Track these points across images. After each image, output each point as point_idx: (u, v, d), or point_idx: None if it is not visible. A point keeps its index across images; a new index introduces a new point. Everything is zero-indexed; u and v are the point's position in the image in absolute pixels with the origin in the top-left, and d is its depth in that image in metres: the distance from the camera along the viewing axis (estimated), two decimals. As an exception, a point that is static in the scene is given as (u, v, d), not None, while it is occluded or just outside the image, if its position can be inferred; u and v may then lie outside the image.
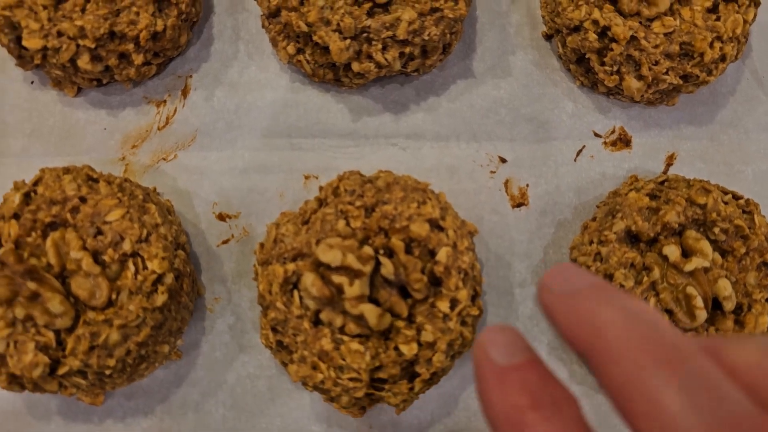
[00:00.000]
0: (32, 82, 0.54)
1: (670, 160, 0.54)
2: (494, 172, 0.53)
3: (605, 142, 0.54)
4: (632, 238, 0.49)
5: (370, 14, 0.50)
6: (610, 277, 0.47)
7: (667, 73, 0.51)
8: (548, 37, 0.56)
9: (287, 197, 0.53)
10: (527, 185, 0.53)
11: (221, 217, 0.52)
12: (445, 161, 0.53)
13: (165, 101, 0.54)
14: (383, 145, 0.54)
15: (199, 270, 0.52)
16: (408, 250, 0.47)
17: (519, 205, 0.53)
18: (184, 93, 0.54)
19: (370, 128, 0.54)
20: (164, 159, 0.53)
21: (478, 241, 0.52)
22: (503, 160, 0.54)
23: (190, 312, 0.50)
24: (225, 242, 0.52)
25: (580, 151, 0.54)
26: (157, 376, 0.50)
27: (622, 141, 0.55)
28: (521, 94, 0.54)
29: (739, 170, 0.54)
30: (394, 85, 0.54)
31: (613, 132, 0.55)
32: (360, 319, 0.46)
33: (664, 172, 0.54)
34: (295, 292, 0.46)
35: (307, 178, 0.53)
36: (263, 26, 0.53)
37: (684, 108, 0.55)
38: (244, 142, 0.53)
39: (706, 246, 0.47)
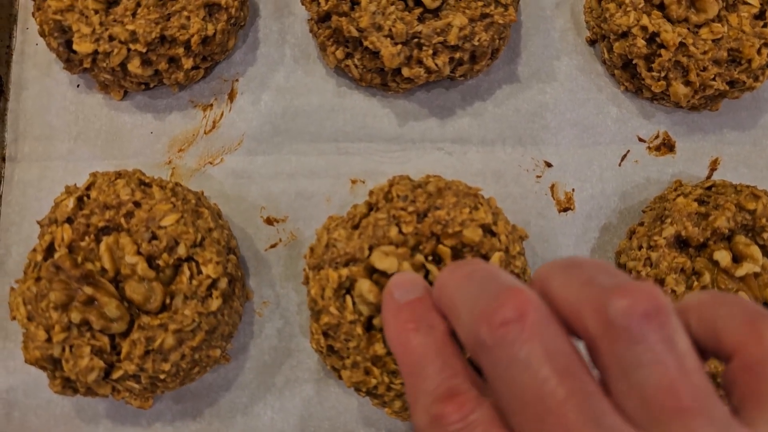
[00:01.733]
0: (78, 86, 0.54)
1: (713, 165, 0.55)
2: (540, 177, 0.54)
3: (649, 147, 0.55)
4: (681, 243, 0.49)
5: (421, 20, 0.50)
6: (661, 281, 0.47)
7: (714, 79, 0.51)
8: (592, 42, 0.56)
9: (334, 201, 0.53)
10: (573, 190, 0.53)
11: (269, 221, 0.52)
12: (491, 166, 0.54)
13: (212, 105, 0.54)
14: (429, 149, 0.54)
15: (248, 274, 0.52)
16: (459, 255, 0.47)
17: (565, 210, 0.53)
18: (231, 97, 0.54)
19: (416, 132, 0.54)
20: (211, 163, 0.53)
21: (525, 246, 0.52)
22: (549, 165, 0.54)
23: (240, 316, 0.50)
24: (273, 246, 0.52)
25: (625, 155, 0.54)
26: (205, 379, 0.50)
27: (666, 146, 0.55)
28: (566, 98, 0.55)
29: (781, 175, 0.55)
30: (439, 89, 0.55)
31: (657, 137, 0.55)
32: (412, 323, 0.46)
33: (708, 177, 0.55)
34: (348, 298, 0.46)
35: (353, 182, 0.53)
36: (311, 31, 0.53)
37: (727, 113, 0.55)
38: (291, 146, 0.53)
39: (756, 251, 0.48)
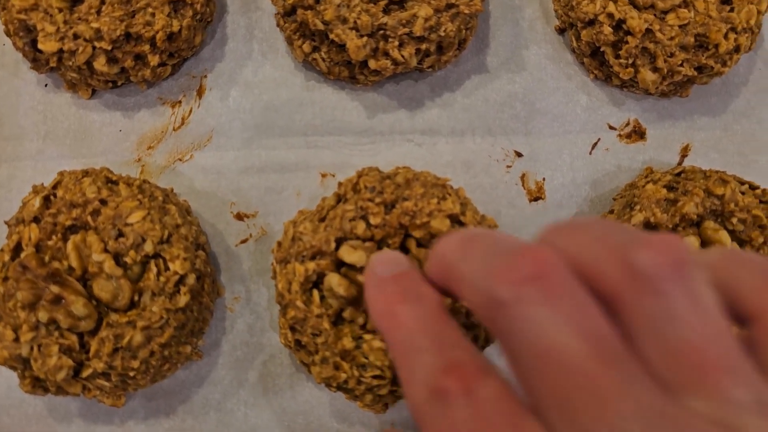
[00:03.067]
0: (46, 85, 0.54)
1: (684, 152, 0.55)
2: (510, 167, 0.53)
3: (620, 135, 0.55)
4: (650, 229, 0.49)
5: (386, 11, 0.50)
6: (630, 269, 0.47)
7: (682, 64, 0.51)
8: (561, 31, 0.56)
9: (304, 195, 0.53)
10: (543, 179, 0.53)
11: (239, 217, 0.52)
12: (460, 156, 0.54)
13: (180, 102, 0.54)
14: (399, 141, 0.54)
15: (219, 270, 0.52)
16: (428, 247, 0.47)
17: (536, 199, 0.53)
18: (199, 93, 0.54)
19: (386, 125, 0.54)
20: (180, 160, 0.53)
21: (495, 236, 0.52)
22: (519, 155, 0.54)
23: (211, 312, 0.50)
24: (243, 242, 0.52)
25: (595, 144, 0.54)
26: (178, 376, 0.50)
27: (637, 133, 0.55)
28: (535, 88, 0.54)
29: (753, 160, 0.55)
30: (408, 81, 0.54)
31: (627, 124, 0.55)
32: (382, 315, 0.46)
33: (679, 164, 0.54)
34: (315, 291, 0.46)
35: (323, 176, 0.53)
36: (278, 25, 0.53)
37: (697, 99, 0.55)
38: (260, 141, 0.53)
39: (725, 236, 0.48)
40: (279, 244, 0.49)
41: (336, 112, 0.54)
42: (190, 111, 0.54)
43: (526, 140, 0.54)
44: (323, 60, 0.52)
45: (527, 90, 0.54)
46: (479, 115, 0.54)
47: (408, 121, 0.54)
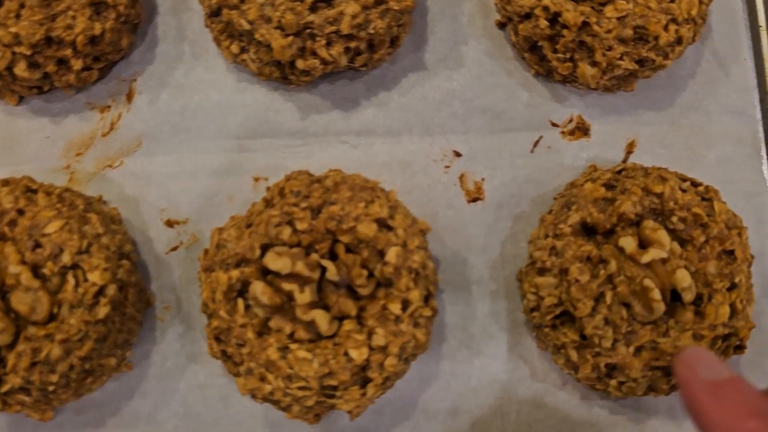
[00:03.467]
0: (-28, 92, 0.53)
1: (630, 148, 0.53)
2: (449, 167, 0.52)
3: (563, 132, 0.53)
4: (589, 230, 0.47)
5: (313, 9, 0.48)
6: (565, 271, 0.46)
7: (621, 58, 0.49)
8: (502, 26, 0.54)
9: (237, 200, 0.51)
10: (483, 179, 0.52)
11: (169, 224, 0.51)
12: (397, 157, 0.52)
13: (109, 106, 0.52)
14: (333, 142, 0.52)
15: (149, 279, 0.51)
16: (356, 252, 0.46)
17: (475, 200, 0.51)
18: (129, 97, 0.52)
19: (320, 126, 0.52)
20: (110, 166, 0.52)
21: (433, 238, 0.51)
22: (458, 154, 0.52)
23: (138, 323, 0.49)
24: (174, 249, 0.51)
25: (537, 141, 0.52)
26: (107, 388, 0.49)
27: (580, 129, 0.53)
28: (474, 85, 0.53)
29: (701, 154, 0.53)
30: (343, 80, 0.53)
31: (570, 121, 0.53)
32: (310, 325, 0.45)
33: (624, 160, 0.53)
34: (240, 300, 0.45)
35: (256, 179, 0.52)
36: (206, 26, 0.52)
37: (643, 93, 0.53)
38: (191, 145, 0.52)
39: (663, 236, 0.46)
40: (205, 251, 0.47)
41: (268, 114, 0.52)
42: (119, 116, 0.52)
43: (465, 139, 0.52)
44: (252, 61, 0.50)
45: (466, 87, 0.53)
46: (416, 114, 0.52)
47: (343, 122, 0.52)
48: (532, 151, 0.52)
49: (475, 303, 0.50)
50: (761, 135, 0.53)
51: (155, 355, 0.49)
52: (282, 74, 0.51)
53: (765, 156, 0.53)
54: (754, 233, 0.51)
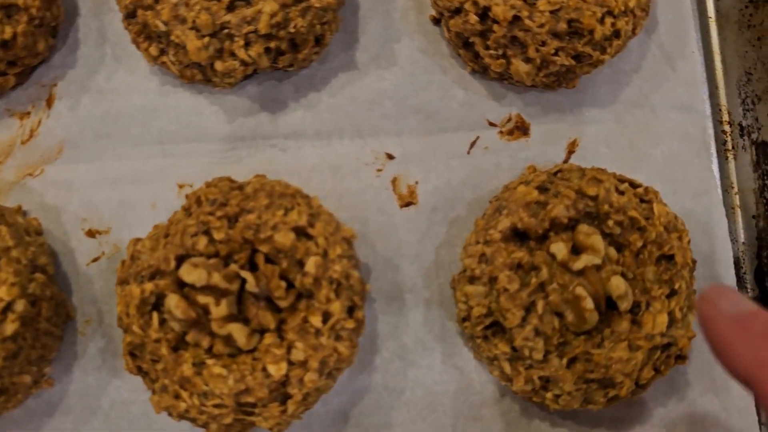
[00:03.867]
0: None
1: (571, 147, 0.50)
2: (381, 170, 0.50)
3: (501, 131, 0.50)
4: (522, 235, 0.45)
5: (231, 8, 0.46)
6: (494, 279, 0.43)
7: (556, 54, 0.46)
8: (437, 21, 0.52)
9: (160, 208, 0.49)
10: (416, 182, 0.49)
11: (91, 234, 0.49)
12: (327, 161, 0.50)
13: (29, 113, 0.51)
14: (261, 146, 0.50)
15: (70, 291, 0.49)
16: (275, 262, 0.44)
17: (407, 204, 0.49)
18: (49, 103, 0.51)
19: (247, 129, 0.50)
20: (30, 174, 0.50)
21: (364, 245, 0.49)
22: (390, 157, 0.50)
23: (56, 337, 0.47)
24: (95, 260, 0.49)
25: (474, 142, 0.50)
26: (28, 406, 0.47)
27: (519, 129, 0.51)
28: (407, 83, 0.50)
29: (646, 153, 0.50)
30: (271, 82, 0.51)
31: (508, 120, 0.51)
32: (229, 339, 0.43)
33: (566, 160, 0.50)
34: (154, 314, 0.43)
35: (181, 186, 0.50)
36: (125, 28, 0.49)
37: (585, 89, 0.51)
38: (114, 151, 0.50)
39: (597, 241, 0.43)
40: (122, 263, 0.46)
41: (193, 118, 0.50)
42: (39, 122, 0.50)
43: (397, 141, 0.50)
44: (173, 63, 0.48)
45: (398, 86, 0.50)
46: (347, 116, 0.50)
47: (270, 125, 0.50)
48: (468, 153, 0.50)
49: (408, 312, 0.48)
50: (710, 131, 0.51)
51: (76, 370, 0.48)
52: (205, 77, 0.49)
53: (714, 153, 0.51)
54: (702, 235, 0.49)
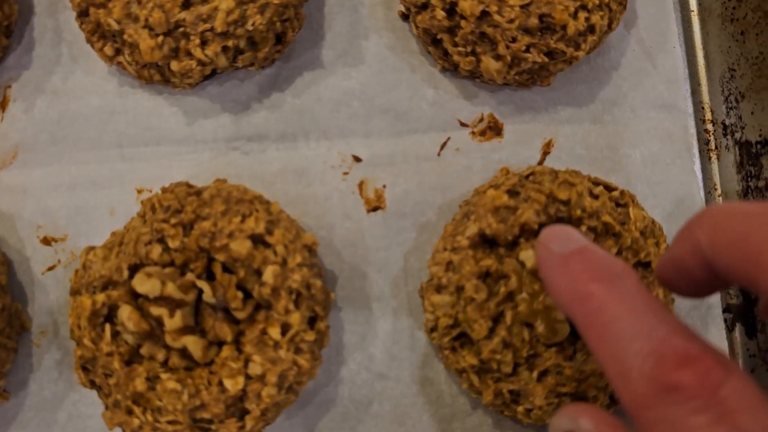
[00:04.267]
0: None
1: (546, 148, 0.48)
2: (347, 173, 0.48)
3: (473, 132, 0.48)
4: (490, 241, 0.43)
5: (186, 6, 0.44)
6: (461, 288, 0.41)
7: (528, 50, 0.44)
8: (405, 17, 0.50)
9: (119, 214, 0.48)
10: (384, 186, 0.47)
11: (46, 241, 0.47)
12: (292, 164, 0.48)
13: (-18, 116, 0.49)
14: (223, 149, 0.48)
15: (25, 301, 0.47)
16: (232, 271, 0.42)
17: (375, 209, 0.47)
18: (3, 105, 0.49)
19: (208, 131, 0.48)
20: (-16, 180, 0.48)
21: (330, 252, 0.47)
22: (357, 159, 0.48)
23: (10, 349, 0.45)
24: (51, 269, 0.47)
25: (445, 143, 0.48)
26: (-18, 420, 0.46)
27: (492, 129, 0.48)
28: (375, 83, 0.48)
29: (625, 154, 0.48)
30: (233, 81, 0.49)
31: (481, 120, 0.48)
32: (184, 352, 0.41)
33: (540, 162, 0.48)
34: (107, 326, 0.41)
35: (139, 191, 0.48)
36: (79, 27, 0.48)
37: (561, 87, 0.49)
38: (71, 155, 0.48)
39: (567, 249, 0.41)
40: (76, 272, 0.44)
41: (152, 120, 0.48)
42: (-7, 125, 0.48)
43: (365, 142, 0.48)
44: (129, 63, 0.46)
45: (366, 85, 0.48)
46: (312, 117, 0.48)
47: (233, 127, 0.48)
48: (438, 154, 0.48)
49: (375, 321, 0.46)
50: (693, 131, 0.49)
51: (32, 383, 0.46)
52: (163, 77, 0.47)
53: (697, 154, 0.49)
54: (684, 240, 0.47)
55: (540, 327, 0.41)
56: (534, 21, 0.43)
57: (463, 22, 0.44)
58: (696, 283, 0.29)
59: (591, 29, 0.44)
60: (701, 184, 0.48)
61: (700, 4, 0.50)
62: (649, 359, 0.23)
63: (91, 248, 0.44)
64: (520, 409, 0.42)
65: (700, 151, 0.49)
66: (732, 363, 0.23)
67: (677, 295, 0.32)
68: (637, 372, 0.23)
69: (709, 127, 0.49)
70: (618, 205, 0.43)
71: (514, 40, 0.44)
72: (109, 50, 0.46)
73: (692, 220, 0.28)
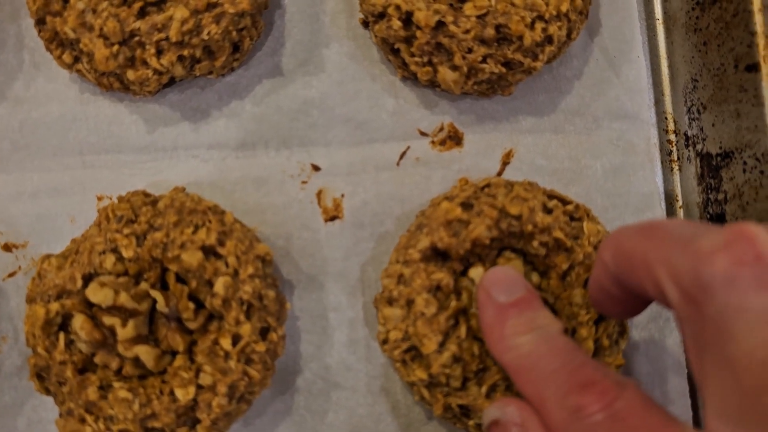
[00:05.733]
0: None
1: (506, 158, 0.48)
2: (306, 183, 0.47)
3: (433, 141, 0.48)
4: (442, 255, 0.43)
5: (141, 15, 0.44)
6: (412, 302, 0.41)
7: (485, 61, 0.44)
8: (366, 24, 0.49)
9: (80, 222, 0.48)
10: (342, 195, 0.47)
11: (7, 248, 0.48)
12: (252, 173, 0.48)
13: (-57, 125, 0.49)
14: (183, 157, 0.48)
15: (-15, 307, 0.47)
16: (185, 282, 0.42)
17: (332, 219, 0.47)
18: (-36, 113, 0.49)
19: (168, 139, 0.48)
20: (-53, 188, 0.48)
21: (287, 262, 0.47)
22: (316, 168, 0.48)
23: (-31, 356, 0.46)
24: (11, 275, 0.47)
25: (404, 153, 0.48)
26: (-58, 426, 0.46)
27: (452, 139, 0.48)
28: (335, 92, 0.48)
29: (587, 165, 0.47)
30: (194, 89, 0.49)
31: (441, 129, 0.48)
32: (138, 361, 0.42)
33: (500, 173, 0.48)
34: (61, 335, 0.42)
35: (100, 199, 0.48)
36: (38, 34, 0.48)
37: (522, 97, 0.48)
38: (33, 162, 0.48)
39: (516, 266, 0.41)
40: (32, 280, 0.44)
41: (113, 127, 0.48)
42: (-45, 133, 0.49)
43: (325, 152, 0.48)
44: (87, 71, 0.46)
45: (326, 95, 0.48)
46: (272, 125, 0.48)
47: (192, 135, 0.48)
48: (398, 164, 0.48)
49: (332, 332, 0.46)
50: (655, 141, 0.48)
51: (-8, 389, 0.47)
52: (123, 85, 0.47)
53: (660, 166, 0.48)
54: (644, 252, 0.46)
55: (489, 342, 0.41)
56: (490, 32, 0.43)
57: (418, 33, 0.43)
58: (620, 302, 0.32)
59: (549, 40, 0.44)
60: (662, 196, 0.48)
61: (665, 12, 0.50)
62: (560, 391, 0.28)
63: (47, 256, 0.44)
64: (470, 423, 0.42)
65: (662, 162, 0.48)
66: (628, 382, 0.27)
67: (612, 316, 0.33)
68: (554, 403, 0.28)
69: (672, 137, 0.48)
70: (572, 219, 0.43)
71: (470, 50, 0.43)
72: (67, 58, 0.46)
73: (601, 243, 0.31)
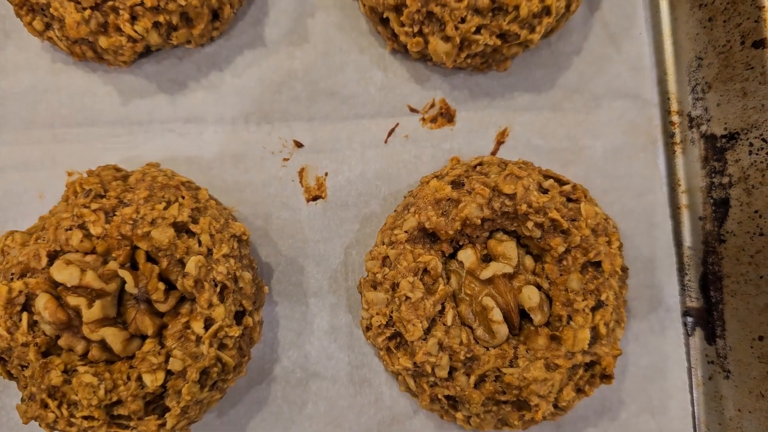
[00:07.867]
0: None
1: (501, 137, 0.45)
2: (288, 160, 0.45)
3: (423, 119, 0.45)
4: (431, 237, 0.40)
5: (115, -22, 0.41)
6: (396, 286, 0.39)
7: (478, 31, 0.41)
8: (355, -6, 0.47)
9: (48, 198, 0.45)
10: (326, 174, 0.45)
11: (-29, 225, 0.45)
12: (230, 148, 0.45)
13: None
14: (159, 131, 0.46)
15: (-52, 286, 0.45)
16: (155, 261, 0.39)
17: (315, 198, 0.45)
18: (-69, 82, 0.46)
19: (143, 112, 0.46)
20: None
21: (266, 243, 0.44)
22: (299, 145, 0.45)
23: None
24: (-24, 253, 0.45)
25: (393, 130, 0.45)
26: None
27: (444, 116, 0.46)
28: (320, 64, 0.45)
29: (585, 145, 0.45)
30: (172, 60, 0.46)
31: (432, 105, 0.46)
32: (105, 344, 0.39)
33: (494, 152, 0.45)
34: (24, 315, 0.39)
35: (70, 174, 0.45)
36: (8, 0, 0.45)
37: (518, 73, 0.45)
38: (1, 136, 0.46)
39: (509, 248, 0.39)
40: (-3, 258, 0.42)
41: (86, 99, 0.46)
42: None
43: (308, 127, 0.45)
44: (59, 39, 0.44)
45: (310, 67, 0.45)
46: (253, 99, 0.45)
47: (169, 107, 0.46)
48: (385, 142, 0.45)
49: (312, 318, 0.44)
50: (658, 122, 0.45)
51: (-47, 372, 0.44)
52: (97, 54, 0.44)
53: (662, 147, 0.46)
54: (645, 237, 0.44)
55: (479, 329, 0.39)
56: (485, 1, 0.40)
57: (409, 0, 0.41)
58: None
59: (546, 11, 0.41)
60: (665, 180, 0.45)
61: (670, -14, 0.47)
62: None
63: (11, 233, 0.42)
64: (459, 415, 0.40)
65: (664, 144, 0.46)
66: None
67: None
68: None
69: (675, 119, 0.46)
70: (569, 200, 0.40)
71: (463, 20, 0.41)
72: (38, 25, 0.44)
73: None
